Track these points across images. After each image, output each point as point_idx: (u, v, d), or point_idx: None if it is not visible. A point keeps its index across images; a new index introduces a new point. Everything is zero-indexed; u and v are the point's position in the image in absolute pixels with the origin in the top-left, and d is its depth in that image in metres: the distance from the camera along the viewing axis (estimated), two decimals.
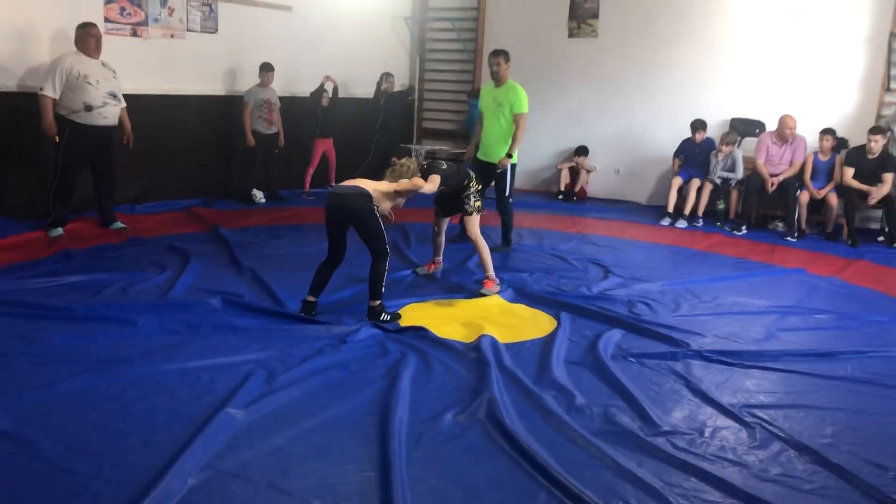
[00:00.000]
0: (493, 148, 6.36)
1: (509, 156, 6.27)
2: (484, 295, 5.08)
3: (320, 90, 8.64)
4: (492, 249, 5.43)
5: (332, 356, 3.80)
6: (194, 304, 4.50)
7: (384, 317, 4.42)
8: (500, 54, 6.35)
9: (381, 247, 4.37)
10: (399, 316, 4.53)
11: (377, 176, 4.76)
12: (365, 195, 4.32)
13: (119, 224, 6.51)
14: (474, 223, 5.28)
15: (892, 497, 2.69)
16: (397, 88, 9.73)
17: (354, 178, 4.61)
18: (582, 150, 9.64)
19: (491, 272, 5.22)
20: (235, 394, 3.25)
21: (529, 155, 10.06)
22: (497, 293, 5.13)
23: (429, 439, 2.98)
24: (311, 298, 4.48)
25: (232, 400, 3.18)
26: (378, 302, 4.44)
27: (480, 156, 6.50)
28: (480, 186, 5.37)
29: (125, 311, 4.25)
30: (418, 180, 4.68)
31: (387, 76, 9.27)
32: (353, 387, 3.46)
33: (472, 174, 5.31)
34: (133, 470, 2.63)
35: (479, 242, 5.25)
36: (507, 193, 6.41)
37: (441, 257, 5.67)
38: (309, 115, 8.72)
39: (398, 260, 5.84)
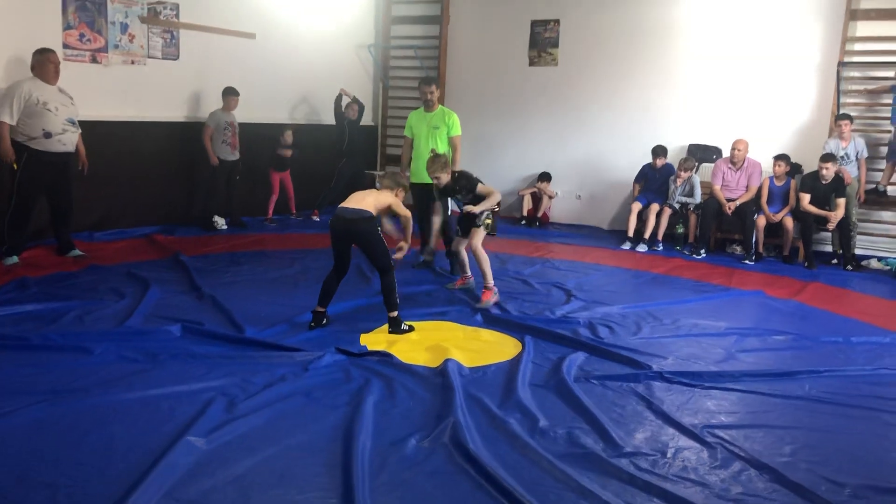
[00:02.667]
0: None
1: None
2: (481, 308, 5.28)
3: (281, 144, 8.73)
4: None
5: (295, 383, 3.76)
6: (153, 331, 4.43)
7: (404, 326, 4.70)
8: (432, 82, 6.59)
9: (387, 263, 4.65)
10: (413, 328, 4.76)
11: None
12: (370, 218, 4.59)
13: (77, 252, 6.39)
14: (479, 236, 5.49)
15: None
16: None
17: (355, 195, 4.79)
18: (545, 176, 9.75)
19: (490, 282, 5.43)
20: (196, 422, 3.20)
21: (491, 181, 10.11)
22: (496, 302, 5.32)
23: (392, 465, 2.95)
24: (320, 309, 4.75)
25: (192, 428, 3.13)
26: (396, 313, 4.70)
27: (415, 180, 6.55)
28: (498, 207, 5.61)
29: (82, 340, 4.16)
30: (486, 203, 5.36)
31: (353, 101, 9.27)
32: (316, 414, 3.43)
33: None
34: (89, 501, 2.56)
35: (480, 253, 5.47)
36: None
37: (469, 272, 5.82)
38: (270, 141, 8.71)
39: (366, 285, 5.84)
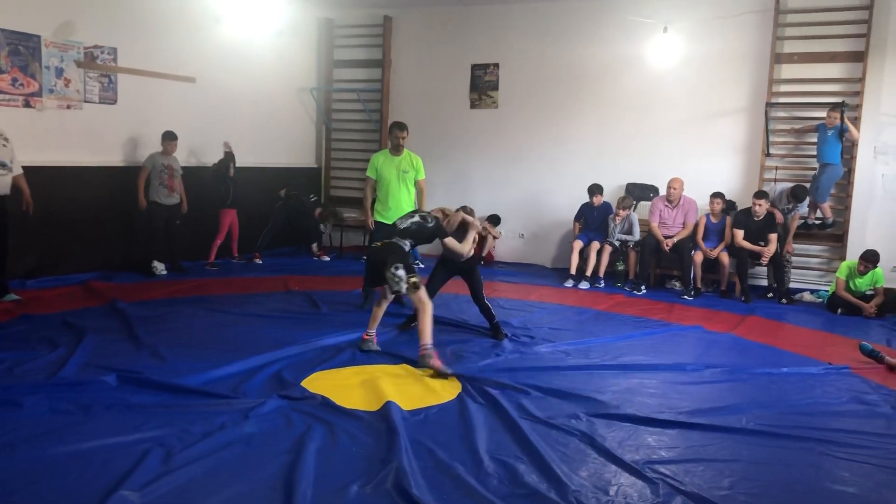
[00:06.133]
0: (403, 211, 6.46)
1: None
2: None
3: (227, 159, 8.58)
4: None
5: (235, 431, 3.68)
6: (87, 382, 4.29)
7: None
8: (405, 127, 6.66)
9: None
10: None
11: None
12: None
13: (13, 296, 6.24)
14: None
15: None
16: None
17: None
18: (494, 219, 9.79)
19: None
20: (130, 475, 3.10)
21: None
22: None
23: None
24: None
25: (126, 482, 3.03)
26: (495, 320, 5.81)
27: (381, 220, 6.66)
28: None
29: (10, 393, 4.01)
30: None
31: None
32: (257, 462, 3.36)
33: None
34: None
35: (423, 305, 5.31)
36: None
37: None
38: (213, 185, 8.62)
39: (318, 326, 5.77)
